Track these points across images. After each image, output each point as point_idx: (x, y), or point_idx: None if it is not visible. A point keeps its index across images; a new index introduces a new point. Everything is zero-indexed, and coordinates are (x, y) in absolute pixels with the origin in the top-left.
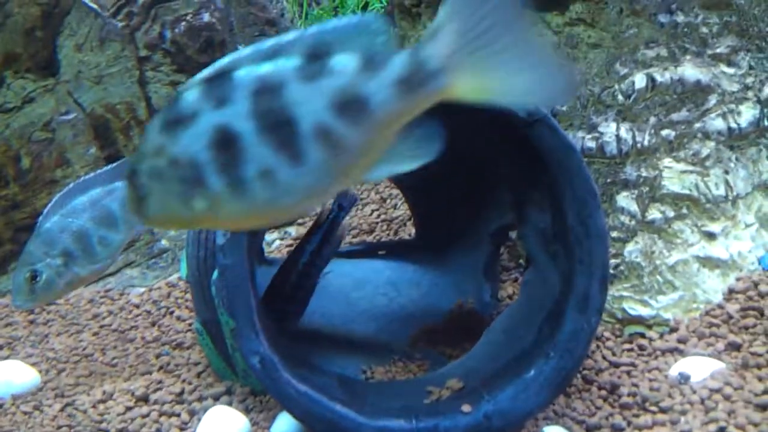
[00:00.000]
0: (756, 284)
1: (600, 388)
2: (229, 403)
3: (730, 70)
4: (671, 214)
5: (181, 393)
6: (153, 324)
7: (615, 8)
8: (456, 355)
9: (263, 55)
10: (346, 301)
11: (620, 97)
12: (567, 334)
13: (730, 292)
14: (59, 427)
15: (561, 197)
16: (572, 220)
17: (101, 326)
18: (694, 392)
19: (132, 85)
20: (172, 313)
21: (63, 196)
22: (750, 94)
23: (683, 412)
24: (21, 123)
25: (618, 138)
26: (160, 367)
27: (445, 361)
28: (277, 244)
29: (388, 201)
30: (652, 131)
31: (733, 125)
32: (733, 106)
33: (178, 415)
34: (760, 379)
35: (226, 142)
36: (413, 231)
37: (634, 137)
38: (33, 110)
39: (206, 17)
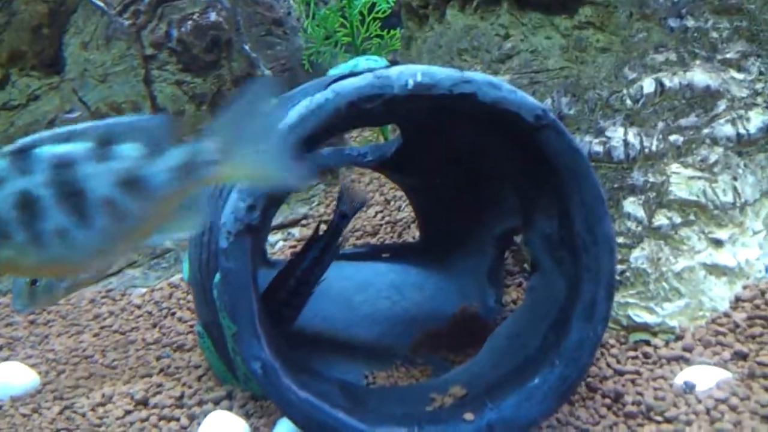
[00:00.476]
0: (763, 292)
1: (604, 396)
2: (230, 408)
3: (740, 76)
4: (678, 220)
5: (181, 397)
6: (154, 325)
7: (624, 12)
8: (459, 360)
9: (60, 138)
10: (348, 304)
11: (628, 102)
12: (573, 343)
13: (737, 300)
14: (58, 430)
15: (568, 203)
16: (579, 226)
17: (102, 327)
18: (700, 402)
19: (137, 84)
20: (173, 314)
21: None
22: (759, 99)
23: (688, 423)
24: (25, 121)
25: (626, 143)
26: (161, 370)
27: (448, 366)
28: (280, 245)
29: (393, 203)
30: (660, 136)
31: (742, 131)
32: (742, 111)
33: (178, 420)
34: (766, 389)
35: (28, 204)
36: (417, 234)
37: (641, 142)
38: (38, 108)
39: (213, 16)
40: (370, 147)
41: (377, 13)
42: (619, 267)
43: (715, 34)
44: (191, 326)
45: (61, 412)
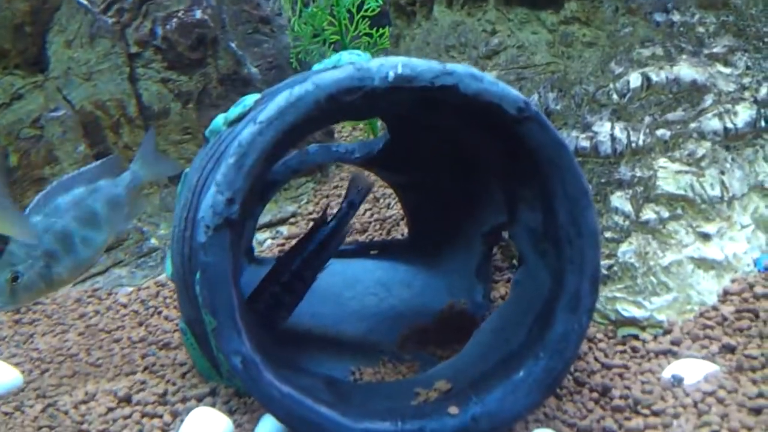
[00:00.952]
0: (751, 286)
1: (592, 391)
2: (213, 405)
3: (727, 70)
4: (666, 214)
5: (165, 394)
6: (140, 324)
7: (610, 7)
8: (447, 356)
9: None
10: (336, 301)
11: (615, 97)
12: (557, 335)
13: (725, 294)
14: (40, 428)
15: (552, 195)
16: (563, 219)
17: (87, 326)
18: (687, 395)
19: (122, 82)
20: (160, 313)
21: (45, 195)
22: (747, 94)
23: (676, 416)
24: (9, 120)
25: (612, 137)
26: (145, 368)
27: (436, 362)
28: (268, 244)
29: (382, 200)
30: (647, 131)
31: (730, 126)
32: (729, 106)
33: (161, 417)
34: (754, 382)
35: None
36: (406, 231)
37: (628, 137)
38: (21, 107)
39: (198, 14)
40: (358, 144)
41: (366, 11)
42: (607, 262)
43: (701, 29)
44: (177, 324)
45: (43, 410)
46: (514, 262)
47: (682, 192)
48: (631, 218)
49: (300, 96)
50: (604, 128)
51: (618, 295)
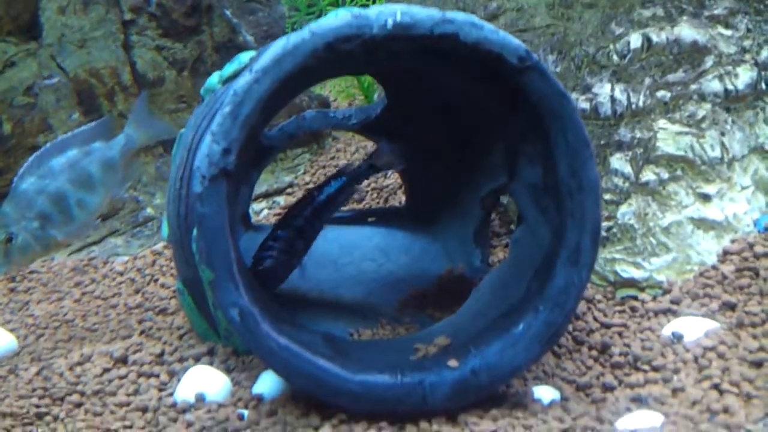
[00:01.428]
0: (751, 245)
1: (591, 348)
2: (211, 364)
3: (728, 32)
4: (666, 175)
5: (161, 354)
6: (137, 291)
7: None
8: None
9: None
10: (333, 266)
11: (615, 58)
12: (557, 288)
13: (725, 254)
14: (34, 390)
15: (553, 148)
16: (564, 172)
17: (83, 293)
18: (688, 351)
19: (116, 50)
20: (156, 280)
21: (39, 157)
22: (747, 56)
23: (676, 371)
24: (2, 88)
25: (612, 99)
26: (142, 332)
27: (435, 324)
28: (265, 213)
29: None
30: (647, 92)
31: (730, 87)
32: (730, 68)
33: (158, 376)
34: (755, 337)
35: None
36: (403, 199)
37: (628, 98)
38: (14, 74)
39: None
40: (355, 110)
41: None
42: (607, 223)
43: None
44: (174, 291)
45: (38, 373)
46: (512, 227)
47: (682, 153)
48: (631, 180)
49: (296, 44)
50: (604, 90)
51: (617, 256)
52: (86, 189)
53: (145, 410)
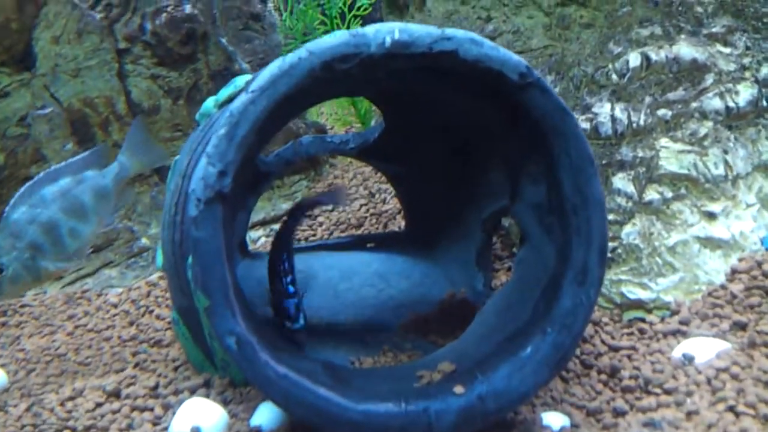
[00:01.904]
0: (760, 264)
1: (600, 372)
2: (207, 396)
3: (727, 50)
4: (669, 194)
5: (156, 387)
6: (131, 323)
7: None
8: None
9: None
10: (332, 293)
11: (614, 77)
12: (565, 309)
13: (733, 273)
14: (23, 427)
15: (556, 165)
16: (568, 189)
17: (76, 326)
18: (700, 373)
19: (111, 79)
20: (151, 312)
21: (31, 186)
22: (747, 74)
23: (689, 393)
24: None
25: (613, 118)
26: (136, 364)
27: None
28: (262, 241)
29: (377, 196)
30: (648, 111)
31: (731, 105)
32: (730, 85)
33: (152, 410)
34: None
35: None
36: (403, 224)
37: (629, 117)
38: (8, 105)
39: (188, 8)
40: (353, 135)
41: (358, 9)
42: (611, 244)
43: (699, 9)
44: (170, 322)
45: (27, 409)
46: (514, 250)
47: (685, 171)
48: (634, 199)
49: (293, 63)
50: (604, 109)
51: (623, 277)
52: (78, 218)
53: None
